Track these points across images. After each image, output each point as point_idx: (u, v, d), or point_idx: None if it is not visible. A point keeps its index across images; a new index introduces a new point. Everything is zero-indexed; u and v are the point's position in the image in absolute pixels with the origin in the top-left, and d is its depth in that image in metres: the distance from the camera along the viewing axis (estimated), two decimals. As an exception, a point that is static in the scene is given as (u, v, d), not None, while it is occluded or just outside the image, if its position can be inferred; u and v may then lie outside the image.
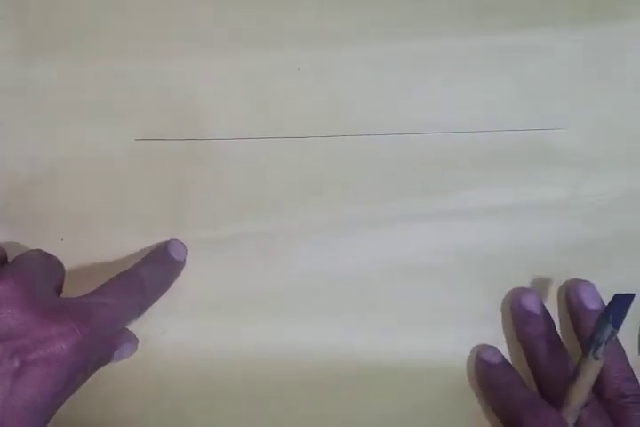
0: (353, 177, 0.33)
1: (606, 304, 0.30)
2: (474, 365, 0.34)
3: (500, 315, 0.34)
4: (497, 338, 0.34)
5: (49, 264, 0.30)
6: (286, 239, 0.33)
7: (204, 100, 0.32)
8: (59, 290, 0.30)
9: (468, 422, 0.34)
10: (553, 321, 0.33)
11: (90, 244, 0.33)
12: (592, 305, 0.33)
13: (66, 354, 0.25)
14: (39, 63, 0.31)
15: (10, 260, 0.29)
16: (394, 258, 0.34)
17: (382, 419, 0.33)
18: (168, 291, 0.32)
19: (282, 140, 0.32)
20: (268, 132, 0.32)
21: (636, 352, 0.34)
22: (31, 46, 0.31)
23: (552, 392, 0.32)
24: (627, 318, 0.30)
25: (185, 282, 0.33)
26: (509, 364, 0.34)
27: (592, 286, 0.33)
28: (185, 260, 0.33)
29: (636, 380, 0.32)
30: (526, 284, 0.34)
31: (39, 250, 0.30)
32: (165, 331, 0.34)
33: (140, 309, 0.30)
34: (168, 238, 0.33)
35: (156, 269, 0.31)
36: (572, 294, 0.33)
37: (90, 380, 0.28)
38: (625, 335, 0.32)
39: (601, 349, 0.30)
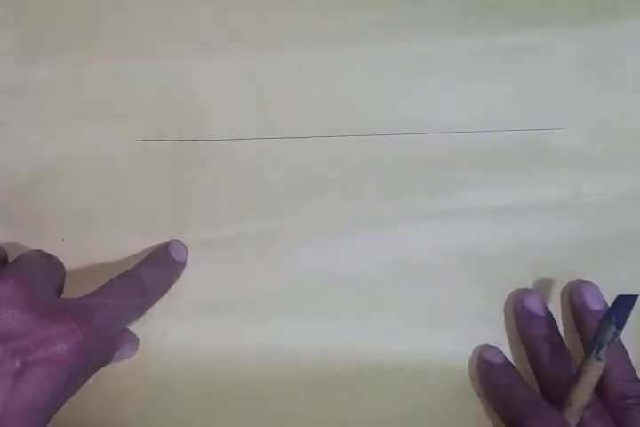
0: (353, 177, 0.33)
1: (609, 305, 0.30)
2: (476, 365, 0.34)
3: (500, 315, 0.34)
4: (498, 338, 0.34)
5: (49, 265, 0.30)
6: (286, 239, 0.33)
7: (204, 101, 0.32)
8: (59, 290, 0.30)
9: (470, 422, 0.34)
10: (556, 322, 0.33)
11: (90, 244, 0.33)
12: (595, 306, 0.33)
13: (66, 355, 0.25)
14: (39, 63, 0.31)
15: (10, 260, 0.29)
16: (394, 258, 0.34)
17: (382, 419, 0.33)
18: (169, 292, 0.32)
19: (282, 141, 0.32)
20: (269, 132, 0.32)
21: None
22: (31, 46, 0.31)
23: (554, 393, 0.32)
24: (629, 319, 0.30)
25: (185, 283, 0.33)
26: (512, 364, 0.34)
27: (595, 287, 0.33)
28: (186, 261, 0.33)
29: (639, 381, 0.32)
30: (526, 284, 0.34)
31: (40, 250, 0.30)
32: (166, 332, 0.34)
33: (141, 310, 0.30)
34: (168, 239, 0.33)
35: (156, 270, 0.31)
36: (575, 295, 0.33)
37: (90, 380, 0.28)
38: (628, 337, 0.31)
39: (603, 350, 0.30)
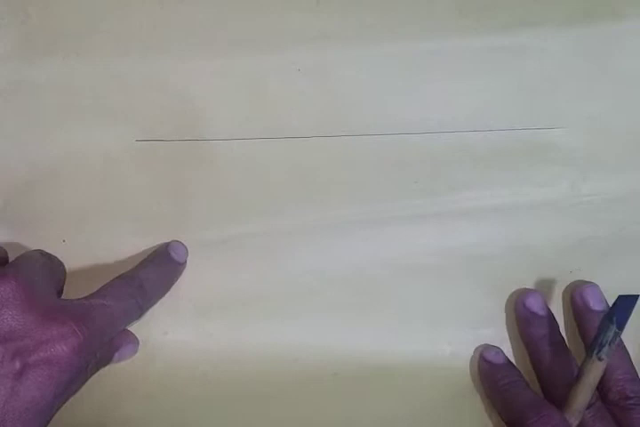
0: (352, 177, 0.33)
1: (610, 305, 0.30)
2: (477, 365, 0.34)
3: (499, 315, 0.34)
4: (498, 338, 0.34)
5: (50, 265, 0.30)
6: (286, 240, 0.33)
7: (204, 101, 0.32)
8: (60, 291, 0.30)
9: (470, 422, 0.33)
10: (557, 322, 0.33)
11: (90, 244, 0.33)
12: (596, 306, 0.33)
13: (67, 355, 0.25)
14: (39, 63, 0.31)
15: (10, 260, 0.29)
16: (394, 258, 0.34)
17: (382, 419, 0.33)
18: (169, 292, 0.32)
19: (281, 141, 0.32)
20: (268, 132, 0.32)
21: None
22: (31, 46, 0.31)
23: (555, 393, 0.32)
24: (630, 319, 0.30)
25: (185, 283, 0.33)
26: (513, 364, 0.34)
27: (597, 287, 0.33)
28: (186, 261, 0.33)
29: (640, 381, 0.32)
30: (526, 283, 0.34)
31: (40, 250, 0.30)
32: (166, 332, 0.34)
33: (141, 310, 0.30)
34: (168, 239, 0.33)
35: (156, 271, 0.31)
36: (576, 295, 0.33)
37: (91, 381, 0.28)
38: (629, 337, 0.32)
39: (605, 350, 0.30)
